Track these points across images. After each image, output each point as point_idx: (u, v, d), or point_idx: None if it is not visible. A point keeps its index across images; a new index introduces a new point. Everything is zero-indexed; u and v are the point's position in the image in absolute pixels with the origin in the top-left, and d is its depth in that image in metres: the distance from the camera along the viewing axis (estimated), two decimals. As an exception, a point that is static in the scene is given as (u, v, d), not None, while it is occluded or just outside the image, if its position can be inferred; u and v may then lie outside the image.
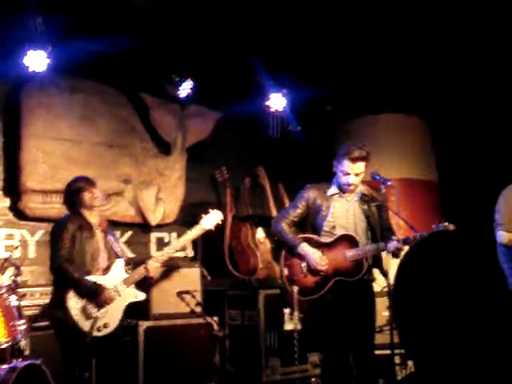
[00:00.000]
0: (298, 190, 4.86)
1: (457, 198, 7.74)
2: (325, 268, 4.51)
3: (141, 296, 4.72)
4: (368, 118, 8.02)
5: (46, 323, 4.92)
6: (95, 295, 4.42)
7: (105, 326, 4.40)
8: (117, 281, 4.58)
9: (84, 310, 4.39)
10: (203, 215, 5.03)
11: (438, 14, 6.54)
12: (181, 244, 5.03)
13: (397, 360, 5.63)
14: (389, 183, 4.52)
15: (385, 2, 6.28)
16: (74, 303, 4.38)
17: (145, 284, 5.05)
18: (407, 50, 7.24)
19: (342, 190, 4.63)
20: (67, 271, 4.39)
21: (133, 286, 4.68)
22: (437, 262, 1.53)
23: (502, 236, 5.28)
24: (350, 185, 4.55)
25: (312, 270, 4.56)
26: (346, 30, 6.75)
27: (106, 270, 4.59)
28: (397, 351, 5.23)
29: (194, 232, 4.99)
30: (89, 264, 4.51)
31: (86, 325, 4.36)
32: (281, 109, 7.31)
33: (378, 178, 4.55)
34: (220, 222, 5.10)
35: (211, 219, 5.03)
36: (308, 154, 7.85)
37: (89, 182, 4.66)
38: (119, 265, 4.64)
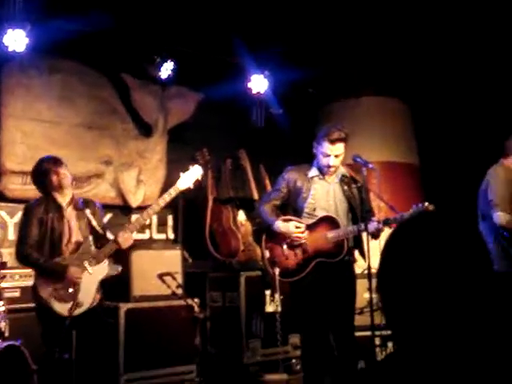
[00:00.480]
0: (280, 173, 4.86)
1: (438, 181, 7.78)
2: (304, 235, 4.53)
3: (115, 269, 4.66)
4: (350, 101, 8.02)
5: (26, 305, 4.91)
6: (60, 276, 4.38)
7: (78, 305, 4.32)
8: (86, 257, 4.52)
9: (54, 293, 4.36)
10: (181, 173, 4.79)
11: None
12: (154, 209, 4.78)
13: (377, 341, 5.67)
14: (370, 166, 4.55)
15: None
16: (45, 287, 4.36)
17: (121, 258, 5.02)
18: (389, 33, 7.24)
19: (323, 171, 4.65)
20: (30, 256, 4.38)
21: (105, 260, 4.61)
22: (422, 242, 1.53)
23: (499, 217, 5.17)
24: (329, 166, 4.57)
25: (294, 250, 4.57)
26: (329, 11, 6.72)
27: (78, 248, 4.54)
28: (377, 333, 5.27)
29: (169, 194, 4.75)
30: (59, 244, 4.47)
31: (58, 307, 4.34)
32: (262, 91, 7.29)
33: (359, 160, 4.58)
34: (200, 178, 4.84)
35: (189, 177, 4.77)
36: (289, 137, 7.84)
37: (56, 163, 4.55)
38: (86, 241, 4.59)
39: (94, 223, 4.62)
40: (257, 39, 6.84)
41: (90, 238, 4.63)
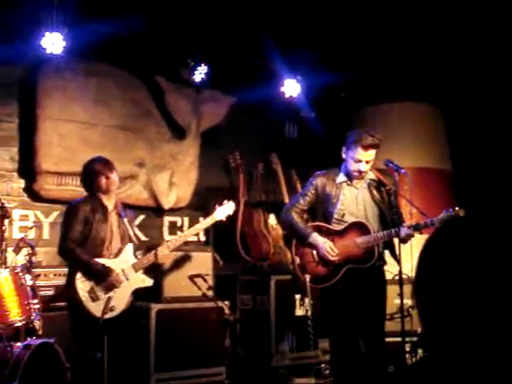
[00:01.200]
0: (310, 177, 4.86)
1: (470, 188, 7.71)
2: (335, 259, 4.52)
3: (148, 282, 4.75)
4: (382, 106, 7.98)
5: (60, 304, 4.98)
6: (103, 277, 4.46)
7: (111, 309, 4.40)
8: (126, 265, 4.60)
9: (91, 292, 4.43)
10: (217, 206, 5.14)
11: (454, 3, 6.50)
12: (192, 232, 5.16)
13: (407, 348, 5.64)
14: (402, 171, 4.52)
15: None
16: (82, 285, 4.42)
17: (154, 270, 5.10)
18: (424, 38, 7.20)
19: (351, 177, 4.62)
20: (74, 253, 4.43)
21: (141, 271, 4.70)
22: (460, 247, 1.52)
23: None
24: (360, 172, 4.54)
25: (323, 259, 4.57)
26: (363, 15, 6.72)
27: (118, 254, 4.62)
28: (407, 339, 5.24)
29: (206, 222, 5.20)
30: (100, 247, 4.55)
31: (92, 306, 4.41)
32: (295, 95, 7.30)
33: (391, 165, 4.56)
34: (231, 214, 5.23)
35: (224, 210, 5.14)
36: (321, 141, 7.84)
37: (107, 166, 4.64)
38: (129, 249, 4.67)
39: (131, 232, 4.70)
40: (289, 43, 6.85)
41: (132, 246, 4.69)
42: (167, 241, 4.98)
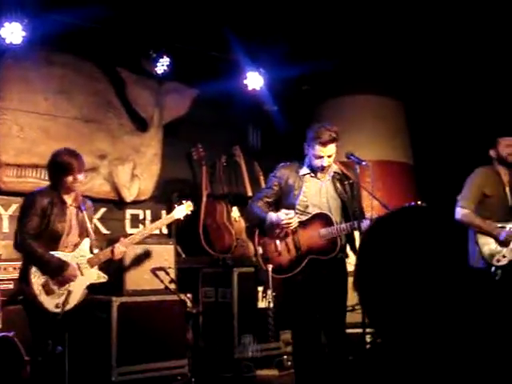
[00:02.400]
0: (273, 169, 4.87)
1: (432, 180, 7.82)
2: (294, 220, 4.53)
3: (103, 278, 4.69)
4: (345, 99, 8.04)
5: (20, 297, 4.92)
6: (59, 271, 4.39)
7: (64, 303, 4.36)
8: (81, 259, 4.55)
9: (46, 286, 4.37)
10: (176, 206, 5.28)
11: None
12: (151, 230, 5.13)
13: (368, 339, 5.71)
14: (363, 163, 4.53)
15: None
16: (37, 278, 4.36)
17: (113, 264, 5.06)
18: (385, 31, 7.27)
19: (315, 171, 4.65)
20: (30, 246, 4.34)
21: (97, 266, 4.66)
22: (399, 237, 1.56)
23: (457, 211, 5.36)
24: (323, 167, 4.57)
25: (286, 247, 4.58)
26: (325, 9, 6.75)
27: (74, 248, 4.56)
28: (368, 330, 5.31)
29: (165, 221, 5.45)
30: (57, 240, 4.48)
31: (46, 300, 4.35)
32: (258, 88, 7.31)
33: (352, 158, 4.56)
34: (189, 213, 5.34)
35: (182, 209, 5.26)
36: (284, 134, 7.87)
37: (79, 166, 4.50)
38: (86, 244, 4.61)
39: (88, 225, 4.65)
40: (252, 36, 6.86)
41: (88, 240, 4.64)
42: (125, 237, 4.93)
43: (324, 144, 4.51)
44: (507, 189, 5.56)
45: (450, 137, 7.97)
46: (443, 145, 8.01)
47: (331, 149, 4.55)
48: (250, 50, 7.07)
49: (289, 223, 4.54)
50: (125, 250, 4.80)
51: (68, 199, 4.57)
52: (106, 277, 4.72)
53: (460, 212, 5.38)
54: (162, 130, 7.17)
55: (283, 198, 4.70)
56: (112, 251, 4.68)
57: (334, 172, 4.67)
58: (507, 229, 5.31)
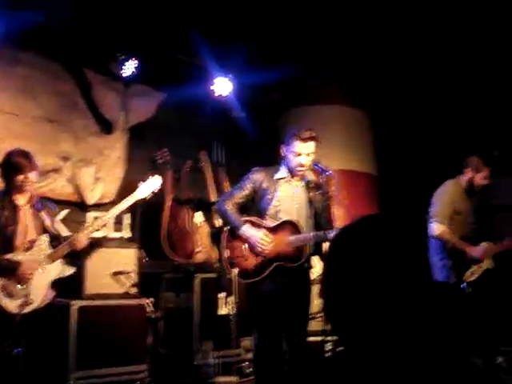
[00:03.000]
0: (239, 176, 4.86)
1: (395, 192, 7.90)
2: (269, 247, 4.52)
3: (68, 270, 4.63)
4: (312, 108, 8.09)
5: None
6: (11, 272, 4.33)
7: (27, 303, 4.30)
8: (41, 256, 4.49)
9: (4, 289, 4.30)
10: (141, 183, 5.01)
11: (383, 9, 6.65)
12: (111, 215, 4.93)
13: (328, 347, 5.72)
14: (328, 173, 4.54)
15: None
16: None
17: (76, 259, 4.98)
18: (355, 43, 7.34)
19: (293, 173, 4.62)
20: None
21: (59, 260, 4.59)
22: (363, 247, 1.56)
23: (435, 228, 5.45)
24: (302, 165, 4.54)
25: (253, 253, 4.57)
26: (295, 17, 6.79)
27: (31, 246, 4.50)
28: (328, 338, 5.33)
29: (127, 202, 4.95)
30: (10, 242, 4.41)
31: (7, 303, 4.28)
32: (225, 93, 7.30)
33: (318, 167, 4.57)
34: (156, 191, 5.07)
35: (148, 187, 5.01)
36: (251, 140, 7.89)
37: (29, 165, 4.44)
38: (45, 240, 4.54)
39: (48, 223, 4.58)
40: (222, 42, 6.86)
41: (47, 237, 4.57)
42: (85, 225, 4.85)
43: (304, 140, 4.51)
44: (471, 204, 5.69)
45: (413, 148, 8.08)
46: (407, 156, 8.11)
47: (311, 146, 4.55)
48: (219, 55, 7.07)
49: (263, 249, 4.53)
50: (84, 237, 4.65)
51: (21, 200, 4.51)
52: (73, 268, 4.65)
53: (438, 228, 5.45)
54: (128, 132, 7.11)
55: (256, 202, 4.68)
56: (71, 242, 4.58)
57: (308, 180, 4.68)
58: (481, 246, 5.44)
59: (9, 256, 4.38)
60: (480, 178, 5.67)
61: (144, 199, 5.02)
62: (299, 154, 4.54)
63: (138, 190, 4.97)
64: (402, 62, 7.55)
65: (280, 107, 8.25)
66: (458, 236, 5.48)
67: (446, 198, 5.58)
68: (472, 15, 6.55)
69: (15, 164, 4.43)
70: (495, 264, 5.56)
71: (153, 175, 5.04)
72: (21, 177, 4.42)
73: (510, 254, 5.63)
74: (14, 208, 4.48)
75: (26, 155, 4.50)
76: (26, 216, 4.52)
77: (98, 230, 4.88)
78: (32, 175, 4.47)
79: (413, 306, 1.52)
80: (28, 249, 4.48)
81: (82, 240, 4.65)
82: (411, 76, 7.73)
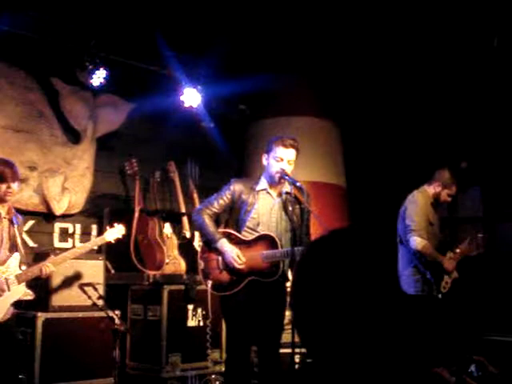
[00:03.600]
0: (208, 187, 4.85)
1: (364, 204, 7.96)
2: (241, 267, 4.50)
3: (30, 296, 4.57)
4: (280, 120, 8.10)
5: None
6: None
7: None
8: (9, 274, 4.42)
9: None
10: (108, 228, 5.24)
11: (350, 20, 6.72)
12: (80, 251, 5.03)
13: (297, 359, 5.72)
14: (297, 184, 4.54)
15: None
16: None
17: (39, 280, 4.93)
18: (321, 54, 7.40)
19: (273, 180, 4.60)
20: None
21: (24, 283, 4.53)
22: (332, 260, 1.57)
23: (416, 242, 5.43)
24: (282, 171, 4.51)
25: (228, 267, 4.55)
26: (263, 28, 6.83)
27: (4, 262, 4.42)
28: (297, 350, 5.32)
29: (95, 243, 5.27)
30: None
31: None
32: (195, 105, 7.30)
33: (286, 178, 4.54)
34: (121, 237, 5.28)
35: (114, 233, 5.19)
36: (220, 152, 7.88)
37: (13, 174, 4.38)
38: (16, 259, 4.47)
39: (19, 241, 4.52)
40: (191, 53, 6.87)
41: (18, 255, 4.50)
42: (55, 254, 4.83)
43: (286, 146, 4.52)
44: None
45: (382, 160, 8.14)
46: (376, 168, 8.17)
47: (292, 153, 4.56)
48: (188, 66, 7.07)
49: (236, 268, 4.50)
50: (53, 269, 4.68)
51: (1, 212, 4.43)
52: (33, 294, 4.59)
53: (420, 243, 5.43)
54: (96, 143, 7.05)
55: (234, 213, 4.66)
56: (40, 270, 4.56)
57: (287, 192, 4.66)
58: (452, 258, 5.52)
59: None
60: (446, 194, 5.72)
61: (109, 242, 5.24)
62: (281, 159, 4.53)
63: (106, 234, 5.18)
64: (371, 73, 7.62)
65: (248, 119, 8.26)
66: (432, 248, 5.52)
67: (419, 210, 5.59)
68: (437, 29, 6.65)
69: (2, 174, 4.35)
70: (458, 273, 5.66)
71: (118, 224, 5.29)
72: (3, 186, 4.35)
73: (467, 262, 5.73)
74: None
75: (8, 164, 4.44)
76: (3, 227, 4.45)
77: (65, 261, 4.92)
78: (14, 185, 4.42)
79: (381, 318, 1.52)
80: (2, 263, 4.41)
81: (51, 271, 4.66)
82: (380, 87, 7.81)
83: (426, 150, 7.63)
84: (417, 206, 5.62)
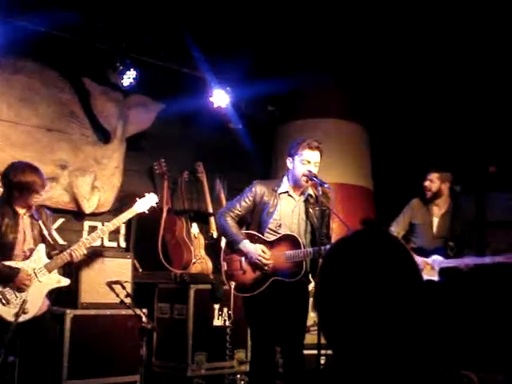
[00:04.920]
0: (235, 188, 4.87)
1: (390, 207, 7.92)
2: (269, 262, 4.52)
3: (64, 282, 4.63)
4: (309, 122, 8.10)
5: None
6: (9, 279, 4.33)
7: (24, 311, 4.28)
8: (38, 266, 4.49)
9: (1, 296, 4.30)
10: (137, 199, 5.14)
11: (380, 23, 6.71)
12: (109, 227, 5.01)
13: (322, 360, 5.72)
14: (326, 186, 4.53)
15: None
16: None
17: (71, 270, 4.99)
18: (351, 56, 7.39)
19: (297, 183, 4.61)
20: None
21: (55, 271, 4.60)
22: (356, 259, 1.59)
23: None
24: (310, 173, 4.50)
25: (253, 266, 4.57)
26: (293, 30, 6.84)
27: (29, 255, 4.50)
28: (323, 351, 5.32)
29: (126, 215, 5.09)
30: (10, 250, 4.42)
31: (3, 310, 4.28)
32: (223, 105, 7.34)
33: (315, 179, 4.52)
34: (155, 205, 5.22)
35: (145, 202, 5.13)
36: (247, 152, 7.91)
37: (42, 183, 4.49)
38: (42, 250, 4.55)
39: (45, 232, 4.58)
40: (221, 54, 6.90)
41: (44, 246, 4.58)
42: (85, 238, 4.87)
43: (312, 148, 4.53)
44: (434, 219, 5.81)
45: (409, 163, 8.09)
46: (403, 171, 8.13)
47: (318, 156, 4.57)
48: (217, 67, 7.11)
49: (264, 263, 4.53)
50: (84, 251, 4.69)
51: (21, 210, 4.52)
52: (68, 280, 4.66)
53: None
54: (125, 142, 7.12)
55: (256, 215, 4.68)
56: (70, 255, 4.61)
57: (309, 194, 4.68)
58: (420, 259, 5.55)
59: (10, 263, 4.37)
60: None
61: (141, 214, 5.15)
62: (308, 162, 4.53)
63: (136, 205, 5.10)
64: (399, 76, 7.59)
65: (277, 120, 8.27)
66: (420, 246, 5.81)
67: (407, 212, 6.11)
68: (468, 33, 6.61)
69: (29, 184, 4.43)
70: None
71: (149, 192, 5.21)
72: (35, 196, 4.46)
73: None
74: (15, 216, 4.48)
75: (37, 172, 4.52)
76: (24, 224, 4.53)
77: (95, 241, 4.92)
78: (43, 193, 4.52)
79: (408, 318, 1.54)
80: (26, 258, 4.49)
81: (81, 253, 4.68)
82: (408, 90, 7.77)
83: (453, 153, 7.57)
84: (409, 208, 6.08)
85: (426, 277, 5.52)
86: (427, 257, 5.67)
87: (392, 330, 1.50)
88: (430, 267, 5.63)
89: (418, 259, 5.54)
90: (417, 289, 1.56)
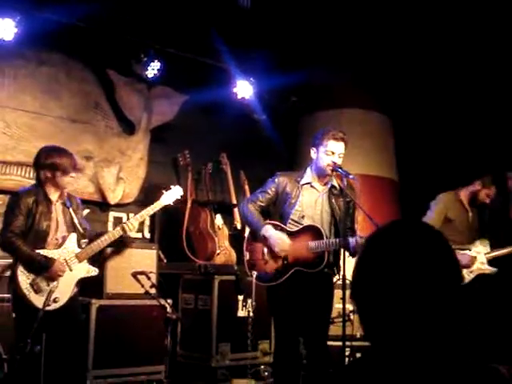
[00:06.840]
0: (259, 179, 4.87)
1: (415, 198, 7.86)
2: (286, 247, 4.51)
3: (93, 271, 4.69)
4: (331, 112, 8.06)
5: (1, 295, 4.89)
6: (44, 268, 4.37)
7: (54, 300, 4.33)
8: (69, 255, 4.53)
9: (34, 284, 4.34)
10: (164, 191, 5.17)
11: (406, 13, 6.64)
12: (138, 219, 5.07)
13: (347, 352, 5.71)
14: (351, 177, 4.49)
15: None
16: (24, 277, 4.34)
17: (99, 260, 5.04)
18: (376, 47, 7.33)
19: (321, 174, 4.59)
20: (15, 245, 4.32)
21: (85, 261, 4.64)
22: (395, 250, 1.56)
23: None
24: (335, 164, 4.48)
25: (274, 256, 4.57)
26: (316, 21, 6.80)
27: (62, 244, 4.54)
28: (347, 343, 5.31)
29: (154, 206, 5.13)
30: (44, 238, 4.46)
31: (35, 298, 4.33)
32: (247, 96, 7.33)
33: (340, 170, 4.49)
34: (179, 198, 5.26)
35: (171, 195, 5.17)
36: (271, 143, 7.89)
37: (76, 169, 4.60)
38: (73, 239, 4.59)
39: (76, 221, 4.62)
40: (244, 45, 6.88)
41: (75, 235, 4.61)
42: (124, 223, 4.94)
43: (337, 139, 4.51)
44: (470, 214, 5.73)
45: (435, 154, 8.02)
46: (428, 162, 8.06)
47: (342, 147, 4.55)
48: (241, 58, 7.09)
49: (282, 247, 4.52)
50: (136, 225, 4.97)
51: (53, 196, 4.55)
52: (97, 270, 4.71)
53: None
54: (149, 134, 7.14)
55: (278, 206, 4.68)
56: (123, 227, 4.80)
57: (332, 185, 4.65)
58: (468, 253, 5.49)
59: (44, 252, 4.42)
60: (485, 194, 5.86)
61: (169, 205, 5.21)
62: (332, 153, 4.51)
63: (162, 197, 5.14)
64: (424, 66, 7.51)
65: (301, 111, 8.24)
66: (458, 242, 5.63)
67: (433, 206, 5.88)
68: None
69: (61, 164, 4.49)
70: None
71: (175, 185, 5.28)
72: (65, 178, 4.50)
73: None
74: (49, 203, 4.52)
75: (67, 153, 4.60)
76: (57, 212, 4.57)
77: (143, 219, 5.16)
78: (74, 175, 4.57)
79: (446, 310, 1.52)
80: (59, 245, 4.53)
81: (132, 225, 4.87)
82: (434, 80, 7.69)
83: (480, 146, 7.48)
84: (434, 204, 5.84)
85: (477, 272, 5.57)
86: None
87: (431, 324, 1.48)
88: (480, 262, 5.62)
89: (465, 255, 5.52)
90: (456, 284, 1.53)
